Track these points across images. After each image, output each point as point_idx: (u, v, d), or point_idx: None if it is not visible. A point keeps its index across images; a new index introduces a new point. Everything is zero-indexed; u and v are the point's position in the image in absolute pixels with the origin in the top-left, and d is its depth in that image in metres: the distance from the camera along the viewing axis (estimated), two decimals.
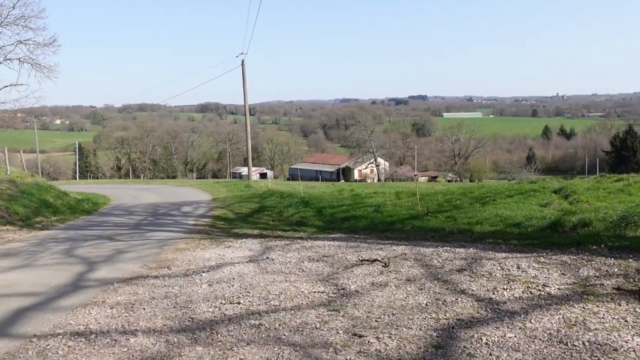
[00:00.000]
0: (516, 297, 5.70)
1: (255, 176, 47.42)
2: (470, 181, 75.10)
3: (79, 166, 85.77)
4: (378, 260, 7.77)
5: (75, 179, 75.89)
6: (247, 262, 8.34)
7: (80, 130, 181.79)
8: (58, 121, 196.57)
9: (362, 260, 7.90)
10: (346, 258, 8.25)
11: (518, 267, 6.95)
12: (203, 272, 7.76)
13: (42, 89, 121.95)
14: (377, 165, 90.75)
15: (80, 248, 10.69)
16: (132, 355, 4.62)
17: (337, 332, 4.91)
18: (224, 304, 6.02)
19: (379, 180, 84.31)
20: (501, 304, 5.49)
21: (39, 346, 4.96)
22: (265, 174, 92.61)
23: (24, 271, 8.59)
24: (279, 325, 5.19)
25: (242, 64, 35.52)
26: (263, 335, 4.94)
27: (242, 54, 35.53)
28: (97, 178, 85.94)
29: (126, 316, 5.77)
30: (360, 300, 5.89)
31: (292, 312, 5.59)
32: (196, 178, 78.43)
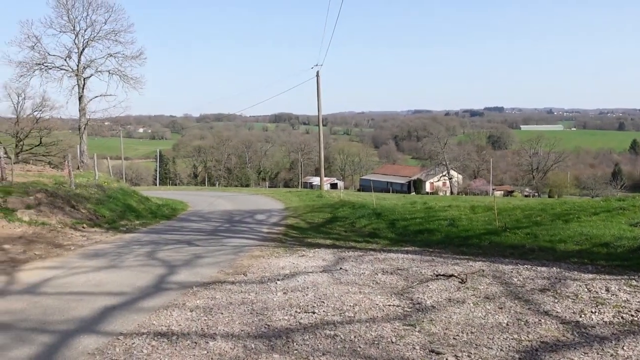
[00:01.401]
0: (606, 322, 5.37)
1: (325, 186, 47.82)
2: (549, 197, 71.85)
3: (159, 173, 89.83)
4: (454, 276, 7.57)
5: (156, 185, 79.54)
6: (320, 272, 8.38)
7: (161, 138, 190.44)
8: (141, 130, 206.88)
9: (437, 275, 7.74)
10: (421, 272, 8.11)
11: (607, 290, 6.56)
12: (278, 280, 7.87)
13: (128, 99, 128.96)
14: (449, 178, 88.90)
15: (161, 251, 11.15)
16: (212, 359, 4.75)
17: (414, 348, 4.83)
18: (299, 313, 6.07)
19: (451, 193, 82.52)
20: (589, 328, 5.19)
21: (125, 344, 5.20)
22: (336, 184, 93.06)
23: (111, 272, 9.05)
24: (355, 337, 5.17)
25: (317, 75, 35.98)
26: (338, 346, 4.93)
27: (316, 65, 36.02)
28: (175, 185, 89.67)
29: (205, 320, 5.94)
30: (436, 316, 5.76)
31: (367, 324, 5.55)
32: (268, 187, 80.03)
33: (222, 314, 6.17)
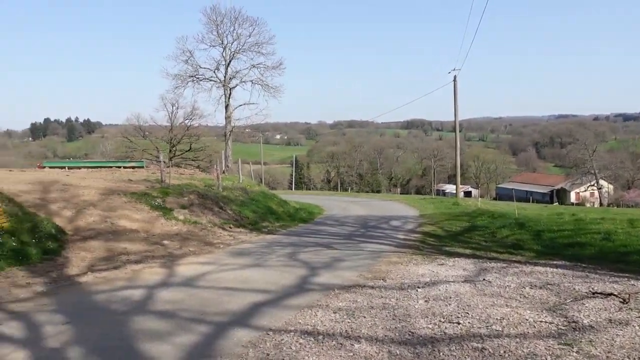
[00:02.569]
0: None
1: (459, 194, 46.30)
2: None
3: (294, 177, 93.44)
4: (614, 295, 6.92)
5: (291, 189, 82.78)
6: (462, 282, 8.13)
7: (296, 144, 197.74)
8: (277, 136, 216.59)
9: (594, 293, 7.13)
10: (574, 288, 7.53)
11: None
12: (418, 287, 7.78)
13: (269, 107, 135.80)
14: (599, 188, 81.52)
15: (302, 253, 11.57)
16: None
17: None
18: (443, 322, 5.93)
19: (600, 204, 75.59)
20: None
21: (275, 339, 5.45)
22: (470, 192, 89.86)
23: (256, 270, 9.58)
24: (504, 351, 4.93)
25: (454, 80, 35.06)
26: None
27: (454, 70, 35.13)
28: (309, 189, 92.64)
29: (349, 322, 6.04)
30: (596, 337, 5.30)
31: (517, 340, 5.27)
32: (400, 193, 79.54)
33: (364, 317, 6.23)
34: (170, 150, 49.02)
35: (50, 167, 29.24)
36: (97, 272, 9.22)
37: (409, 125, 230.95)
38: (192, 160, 49.86)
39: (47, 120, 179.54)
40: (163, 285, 8.20)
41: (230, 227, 16.13)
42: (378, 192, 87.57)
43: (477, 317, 6.10)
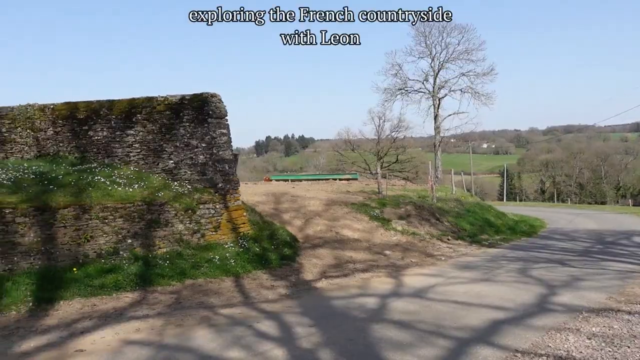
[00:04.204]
0: None
1: None
2: None
3: (505, 188, 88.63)
4: None
5: (501, 199, 78.59)
6: None
7: (505, 153, 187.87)
8: (485, 145, 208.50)
9: None
10: None
11: None
12: None
13: (479, 116, 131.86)
14: None
15: (533, 269, 10.74)
16: None
17: None
18: None
19: None
20: None
21: None
22: None
23: (486, 285, 9.12)
24: None
25: None
26: None
27: None
28: (521, 200, 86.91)
29: (609, 351, 5.33)
30: None
31: None
32: (632, 205, 69.88)
33: (628, 347, 5.44)
34: (377, 162, 50.57)
35: (276, 180, 32.17)
36: (330, 279, 9.72)
37: (639, 127, 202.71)
38: (399, 171, 50.70)
39: (268, 138, 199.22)
40: (394, 295, 8.27)
41: (448, 239, 15.79)
42: (602, 203, 78.23)
43: None
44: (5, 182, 9.69)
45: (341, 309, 7.42)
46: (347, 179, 32.09)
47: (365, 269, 10.86)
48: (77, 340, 6.07)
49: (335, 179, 31.40)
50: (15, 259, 8.64)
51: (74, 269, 8.79)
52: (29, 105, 12.88)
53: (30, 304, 7.55)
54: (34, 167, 10.96)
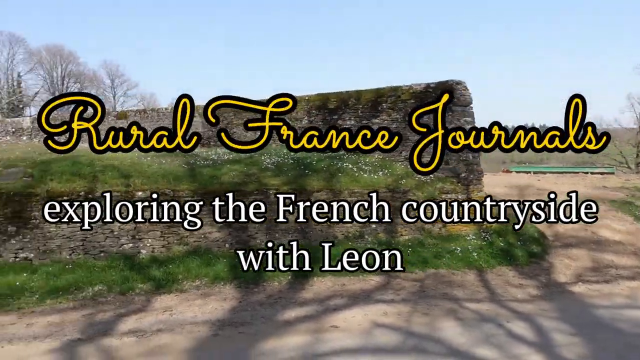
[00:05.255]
0: None
1: None
2: None
3: None
4: None
5: None
6: None
7: None
8: None
9: None
10: None
11: None
12: None
13: None
14: None
15: None
16: None
17: None
18: None
19: None
20: None
21: None
22: None
23: None
24: None
25: None
26: None
27: None
28: None
29: None
30: None
31: None
32: None
33: None
34: (637, 155, 43.71)
35: (517, 172, 30.26)
36: (588, 284, 8.66)
37: None
38: None
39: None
40: None
41: None
42: None
43: None
44: (269, 166, 10.84)
45: (607, 320, 6.50)
46: (601, 173, 28.49)
47: (632, 276, 9.40)
48: (331, 316, 6.44)
49: (586, 173, 28.17)
50: (277, 235, 9.63)
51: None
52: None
53: (289, 277, 8.31)
54: (291, 153, 12.04)
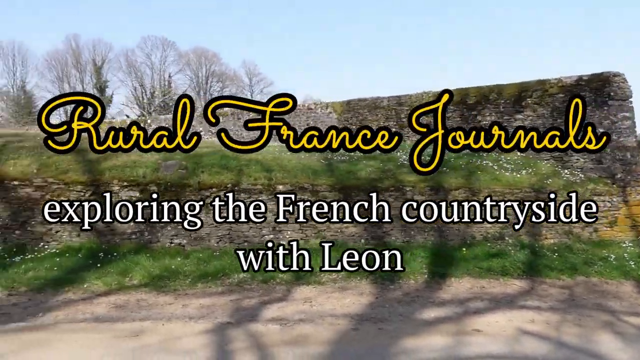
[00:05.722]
0: None
1: None
2: None
3: None
4: None
5: None
6: None
7: None
8: None
9: None
10: None
11: None
12: None
13: None
14: None
15: None
16: None
17: None
18: None
19: None
20: None
21: None
22: None
23: None
24: None
25: None
26: None
27: None
28: None
29: None
30: None
31: None
32: None
33: None
34: None
35: None
36: None
37: None
38: None
39: None
40: None
41: None
42: None
43: None
44: (406, 162, 10.74)
45: None
46: None
47: None
48: (472, 318, 6.21)
49: None
50: (412, 232, 9.51)
51: (463, 249, 9.13)
52: (424, 93, 13.99)
53: (425, 276, 8.16)
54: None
